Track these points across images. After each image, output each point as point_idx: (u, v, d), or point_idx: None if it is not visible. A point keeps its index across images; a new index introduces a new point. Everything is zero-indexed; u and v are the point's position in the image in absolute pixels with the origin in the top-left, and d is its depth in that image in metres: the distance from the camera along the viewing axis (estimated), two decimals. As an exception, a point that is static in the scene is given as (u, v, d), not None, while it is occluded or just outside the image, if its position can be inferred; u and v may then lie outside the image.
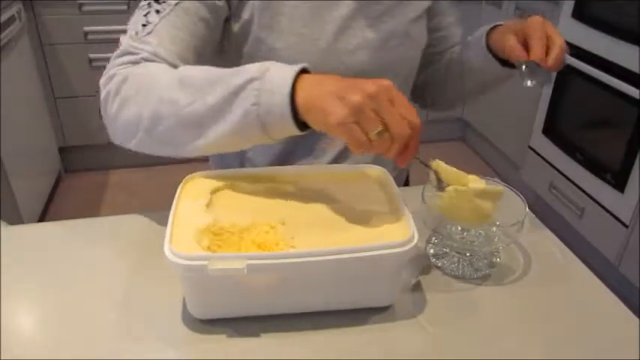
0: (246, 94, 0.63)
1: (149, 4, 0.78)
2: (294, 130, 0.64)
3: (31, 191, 2.21)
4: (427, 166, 0.72)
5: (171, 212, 0.66)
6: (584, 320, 0.68)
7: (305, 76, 0.64)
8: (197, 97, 0.66)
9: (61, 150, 2.63)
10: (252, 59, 0.85)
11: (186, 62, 0.77)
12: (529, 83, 0.78)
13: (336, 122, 0.59)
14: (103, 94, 0.75)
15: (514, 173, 2.56)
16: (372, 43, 0.89)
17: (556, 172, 2.20)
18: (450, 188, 0.70)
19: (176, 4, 0.77)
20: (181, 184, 0.72)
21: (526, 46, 0.80)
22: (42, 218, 2.30)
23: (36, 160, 2.34)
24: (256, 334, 0.64)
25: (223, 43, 0.89)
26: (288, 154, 0.95)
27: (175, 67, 0.74)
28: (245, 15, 0.84)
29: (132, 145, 0.74)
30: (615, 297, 0.72)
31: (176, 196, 0.69)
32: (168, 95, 0.68)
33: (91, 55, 2.44)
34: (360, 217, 0.68)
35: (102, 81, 0.76)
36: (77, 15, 2.35)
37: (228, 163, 1.00)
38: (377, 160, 0.89)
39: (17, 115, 2.08)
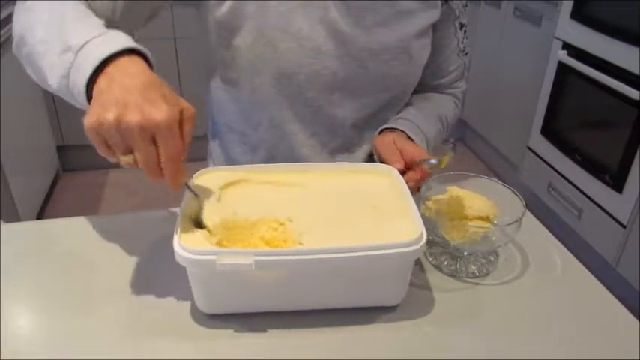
0: (62, 62, 0.63)
1: None
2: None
3: (29, 190, 2.21)
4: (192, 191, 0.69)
5: (181, 207, 0.66)
6: (582, 320, 0.69)
7: (116, 64, 0.60)
8: (40, 48, 0.66)
9: (59, 149, 2.62)
10: (236, 50, 0.84)
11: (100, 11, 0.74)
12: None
13: (85, 126, 0.59)
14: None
15: (512, 174, 2.57)
16: (362, 53, 0.86)
17: (554, 173, 2.20)
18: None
19: None
20: (192, 179, 0.72)
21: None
22: (40, 217, 2.29)
23: (34, 158, 2.33)
24: (263, 330, 0.64)
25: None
26: (270, 160, 0.95)
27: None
28: (229, 5, 0.82)
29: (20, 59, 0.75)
30: (613, 297, 0.72)
31: (186, 191, 0.69)
32: (29, 25, 0.69)
33: (90, 54, 2.43)
34: (368, 215, 0.68)
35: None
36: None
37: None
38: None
39: (15, 113, 2.08)
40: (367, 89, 0.90)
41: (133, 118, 0.55)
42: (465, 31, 0.97)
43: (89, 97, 0.61)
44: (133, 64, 0.60)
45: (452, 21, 0.94)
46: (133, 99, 0.56)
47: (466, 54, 1.00)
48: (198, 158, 1.04)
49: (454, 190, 0.77)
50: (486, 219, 0.74)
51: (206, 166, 0.91)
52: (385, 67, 0.88)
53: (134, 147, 0.58)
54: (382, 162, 0.84)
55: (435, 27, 0.92)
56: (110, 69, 0.60)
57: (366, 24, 0.85)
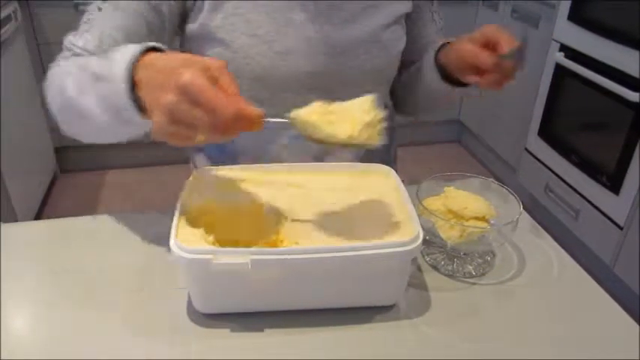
0: (100, 94, 0.64)
1: (99, 8, 0.80)
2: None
3: (26, 191, 2.20)
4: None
5: (178, 206, 0.66)
6: (578, 321, 0.69)
7: (142, 63, 0.60)
8: (78, 95, 0.67)
9: (57, 150, 2.61)
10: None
11: None
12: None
13: (156, 132, 0.56)
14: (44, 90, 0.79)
15: (510, 175, 2.57)
16: (335, 49, 0.87)
17: (552, 174, 2.21)
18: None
19: (117, 5, 0.79)
20: (189, 178, 0.72)
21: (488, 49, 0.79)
22: (37, 218, 2.28)
23: (31, 160, 2.33)
24: (260, 330, 0.64)
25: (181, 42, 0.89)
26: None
27: None
28: (200, 17, 0.84)
29: (69, 133, 0.77)
30: (610, 298, 0.72)
31: (183, 190, 0.69)
32: (66, 93, 0.70)
33: (88, 55, 2.43)
34: (365, 215, 0.68)
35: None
36: (73, 15, 2.33)
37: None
38: (369, 157, 0.89)
39: (13, 114, 2.07)
40: (344, 86, 0.90)
41: (180, 78, 0.53)
42: (437, 12, 1.01)
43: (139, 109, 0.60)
44: (153, 56, 0.60)
45: (429, 9, 0.98)
46: (163, 80, 0.55)
47: (442, 32, 1.03)
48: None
49: (451, 191, 0.77)
50: (483, 219, 0.74)
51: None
52: (359, 61, 0.89)
53: (206, 99, 0.54)
54: (462, 70, 0.82)
55: (410, 16, 0.95)
56: (140, 70, 0.59)
57: (334, 21, 0.86)
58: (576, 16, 2.01)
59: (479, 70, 0.80)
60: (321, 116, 0.61)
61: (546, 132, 2.23)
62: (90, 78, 0.65)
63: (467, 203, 0.74)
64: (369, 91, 0.92)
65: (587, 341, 0.66)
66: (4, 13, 2.02)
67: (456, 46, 0.85)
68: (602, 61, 1.90)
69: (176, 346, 0.63)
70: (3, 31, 1.99)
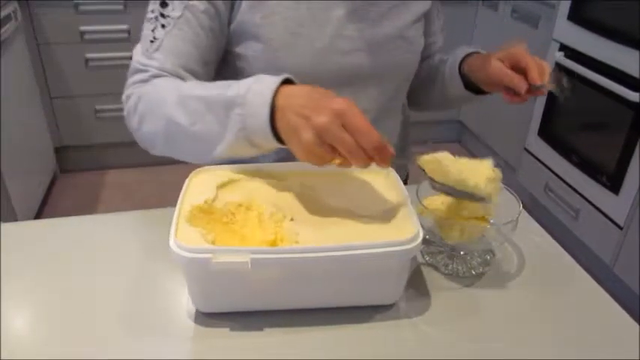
0: (233, 120, 0.69)
1: (156, 17, 0.83)
2: (280, 146, 0.69)
3: (26, 191, 2.20)
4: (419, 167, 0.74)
5: (177, 206, 0.66)
6: (578, 320, 0.69)
7: (283, 92, 0.66)
8: (195, 120, 0.73)
9: (57, 150, 2.62)
10: (247, 60, 0.87)
11: (192, 72, 0.83)
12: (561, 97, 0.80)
13: (303, 151, 0.63)
14: (125, 112, 0.84)
15: (510, 175, 2.57)
16: (368, 45, 0.90)
17: (551, 174, 2.21)
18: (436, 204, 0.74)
19: (179, 18, 0.82)
20: (188, 178, 0.72)
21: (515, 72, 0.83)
22: (37, 218, 2.28)
23: (31, 160, 2.33)
24: (259, 329, 0.64)
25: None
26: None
27: (182, 78, 0.81)
28: (239, 15, 0.85)
29: (157, 152, 0.83)
30: (610, 298, 0.72)
31: (182, 190, 0.69)
32: (172, 115, 0.75)
33: (88, 55, 2.43)
34: (365, 214, 0.68)
35: (123, 98, 0.84)
36: (73, 15, 2.34)
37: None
38: None
39: (13, 114, 2.07)
40: (378, 81, 0.94)
41: (335, 105, 0.60)
42: (439, 10, 1.06)
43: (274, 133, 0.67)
44: (292, 86, 0.68)
45: (436, 6, 1.03)
46: (314, 104, 0.62)
47: (442, 30, 1.08)
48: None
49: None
50: (483, 218, 0.74)
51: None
52: (389, 57, 0.92)
53: (355, 128, 0.60)
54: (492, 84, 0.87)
55: (425, 14, 0.99)
56: (280, 98, 0.66)
57: (369, 18, 0.89)
58: (576, 15, 2.01)
59: (508, 88, 0.83)
60: (452, 163, 0.70)
61: (546, 132, 2.23)
62: (211, 105, 0.71)
63: (467, 202, 0.73)
64: (398, 87, 0.99)
65: (587, 341, 0.66)
66: (4, 12, 2.02)
67: (483, 62, 0.89)
68: (602, 60, 1.90)
69: (176, 346, 0.63)
70: (3, 30, 1.99)
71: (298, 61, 0.86)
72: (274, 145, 0.69)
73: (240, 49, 0.88)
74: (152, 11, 0.84)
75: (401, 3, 0.92)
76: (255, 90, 0.68)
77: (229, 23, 0.87)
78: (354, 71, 0.90)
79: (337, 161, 0.63)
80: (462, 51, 0.98)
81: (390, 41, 0.92)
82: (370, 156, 0.61)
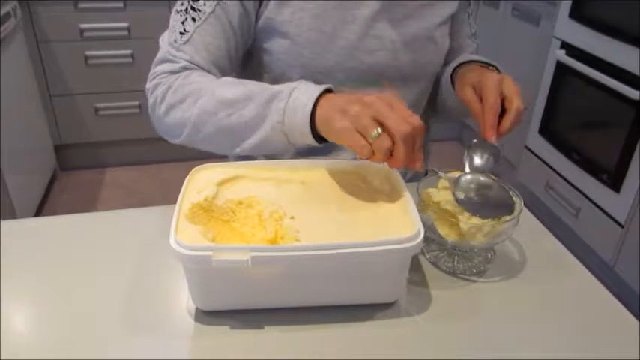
0: (273, 112, 0.72)
1: (186, 10, 0.83)
2: (313, 142, 0.72)
3: (26, 189, 2.20)
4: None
5: (177, 204, 0.66)
6: (579, 318, 0.69)
7: (325, 97, 0.71)
8: (233, 111, 0.75)
9: (57, 148, 2.61)
10: (273, 54, 0.88)
11: (220, 68, 0.85)
12: (467, 168, 0.79)
13: (339, 130, 0.67)
14: (150, 100, 0.84)
15: (510, 173, 2.57)
16: (395, 45, 0.90)
17: (552, 172, 2.20)
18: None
19: (211, 13, 0.82)
20: (188, 176, 0.72)
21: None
22: (37, 216, 2.28)
23: (31, 158, 2.32)
24: (260, 327, 0.64)
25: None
26: (308, 153, 0.95)
27: (210, 72, 0.83)
28: (266, 12, 0.85)
29: (177, 142, 0.84)
30: (611, 295, 0.72)
31: (182, 187, 0.69)
32: (207, 107, 0.77)
33: (87, 53, 2.42)
34: (365, 212, 0.68)
35: (148, 86, 0.85)
36: (73, 12, 2.34)
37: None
38: None
39: (13, 112, 2.07)
40: (403, 81, 0.93)
41: (367, 98, 0.66)
42: (472, 14, 1.05)
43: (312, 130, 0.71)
44: (335, 94, 0.72)
45: (466, 9, 1.02)
46: (352, 99, 0.67)
47: (476, 37, 1.07)
48: (199, 156, 1.04)
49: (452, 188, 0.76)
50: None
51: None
52: (414, 56, 0.92)
53: (382, 115, 0.65)
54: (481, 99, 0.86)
55: (452, 16, 0.98)
56: (322, 102, 0.70)
57: (395, 17, 0.89)
58: (577, 13, 2.01)
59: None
60: (453, 207, 0.72)
61: (547, 130, 2.23)
62: (252, 96, 0.74)
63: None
64: (423, 88, 0.99)
65: (588, 338, 0.65)
66: (4, 10, 2.02)
67: (460, 83, 0.89)
68: (604, 58, 1.89)
69: (176, 344, 0.63)
70: (2, 28, 1.99)
71: (324, 58, 0.87)
72: (309, 140, 0.71)
73: (266, 45, 0.88)
74: (182, 3, 0.84)
75: (427, 3, 0.92)
76: (302, 88, 0.71)
77: (256, 20, 0.87)
78: (379, 70, 0.90)
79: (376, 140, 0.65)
80: (460, 59, 0.97)
81: (417, 41, 0.92)
82: (413, 135, 0.64)
